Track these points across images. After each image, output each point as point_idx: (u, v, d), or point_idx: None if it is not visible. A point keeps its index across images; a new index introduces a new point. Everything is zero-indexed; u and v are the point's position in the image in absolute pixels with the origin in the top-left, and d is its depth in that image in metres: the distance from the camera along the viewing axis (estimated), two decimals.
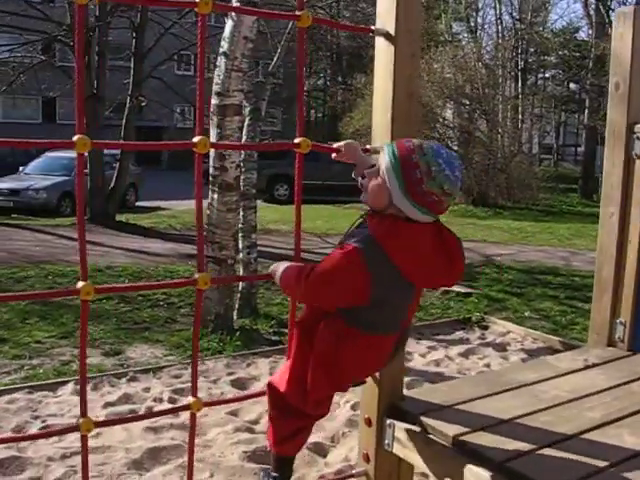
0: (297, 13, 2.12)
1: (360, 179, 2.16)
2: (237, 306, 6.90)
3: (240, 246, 7.10)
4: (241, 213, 7.01)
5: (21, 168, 18.74)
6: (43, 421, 4.16)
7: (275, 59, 7.93)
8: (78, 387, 4.74)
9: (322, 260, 2.07)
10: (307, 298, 2.19)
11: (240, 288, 7.05)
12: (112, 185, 15.11)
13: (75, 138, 2.03)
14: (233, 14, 5.63)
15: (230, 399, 4.07)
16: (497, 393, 2.49)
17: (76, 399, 4.50)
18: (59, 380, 4.86)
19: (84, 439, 2.21)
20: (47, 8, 15.48)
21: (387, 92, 2.18)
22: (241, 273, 7.04)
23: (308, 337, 2.20)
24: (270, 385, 2.35)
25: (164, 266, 9.68)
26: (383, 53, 2.21)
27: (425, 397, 2.46)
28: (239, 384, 4.92)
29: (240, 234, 7.00)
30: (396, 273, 1.99)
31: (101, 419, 4.14)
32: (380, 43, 2.21)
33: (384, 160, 2.03)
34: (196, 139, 2.11)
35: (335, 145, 2.33)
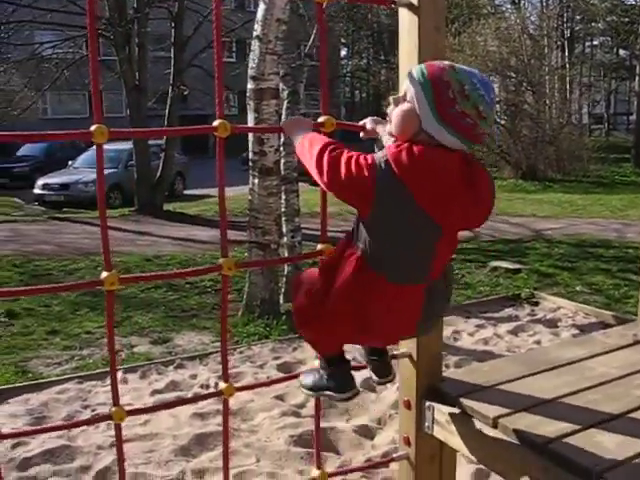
0: None
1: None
2: (283, 290, 6.90)
3: (284, 230, 7.08)
4: (283, 197, 6.99)
5: (70, 162, 19.06)
6: (93, 410, 4.22)
7: (311, 40, 7.85)
8: (126, 376, 4.83)
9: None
10: (327, 173, 1.91)
11: (285, 272, 7.05)
12: (159, 175, 15.26)
13: (93, 128, 1.99)
14: None
15: (260, 383, 4.03)
16: (541, 372, 2.42)
17: (124, 388, 4.56)
18: (107, 370, 4.92)
19: (118, 428, 2.21)
20: (84, 3, 15.63)
21: (412, 64, 2.10)
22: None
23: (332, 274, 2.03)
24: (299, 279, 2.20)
25: (210, 253, 9.74)
26: (406, 26, 2.13)
27: (465, 378, 2.39)
28: (285, 368, 4.91)
29: (283, 218, 6.99)
30: (408, 198, 1.80)
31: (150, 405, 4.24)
32: (403, 16, 2.13)
33: (413, 81, 1.86)
34: (216, 122, 2.07)
35: (360, 123, 2.26)
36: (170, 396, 4.38)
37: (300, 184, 7.47)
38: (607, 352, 2.60)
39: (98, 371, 4.92)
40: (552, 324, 5.80)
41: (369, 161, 1.83)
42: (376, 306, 1.95)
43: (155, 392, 4.47)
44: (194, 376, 4.77)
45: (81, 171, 17.96)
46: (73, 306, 6.90)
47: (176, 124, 14.98)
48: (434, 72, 1.84)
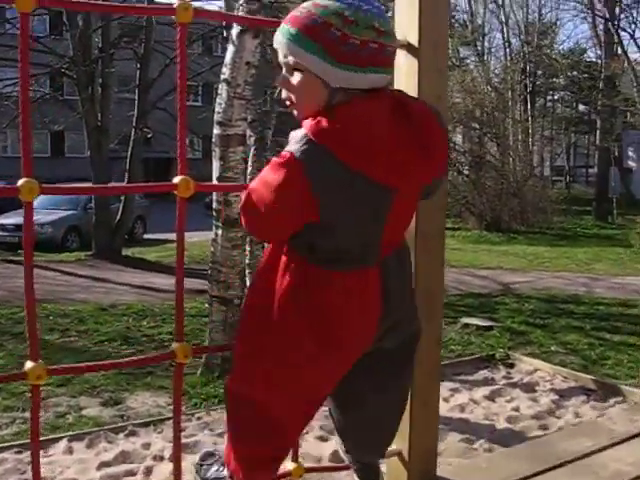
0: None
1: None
2: None
3: (248, 284, 6.74)
4: (248, 248, 6.66)
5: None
6: None
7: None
8: (72, 445, 4.37)
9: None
10: (251, 229, 1.69)
11: None
12: (118, 218, 14.83)
13: (20, 182, 1.66)
14: (235, 39, 5.32)
15: None
16: (548, 470, 2.10)
17: (69, 458, 4.12)
18: (51, 437, 4.47)
19: None
20: (50, 41, 15.31)
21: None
22: None
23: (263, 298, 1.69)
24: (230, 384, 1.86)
25: (169, 303, 9.31)
26: (404, 70, 1.85)
27: (463, 478, 2.06)
28: None
29: (247, 271, 6.64)
30: (346, 172, 1.49)
31: None
32: (401, 58, 1.86)
33: (288, 46, 1.54)
34: (177, 179, 1.75)
35: None
36: (120, 469, 3.95)
37: None
38: (617, 443, 2.30)
39: (41, 439, 4.45)
40: (530, 388, 5.50)
41: (283, 163, 1.51)
42: (332, 302, 1.63)
43: (103, 465, 4.02)
44: (147, 445, 4.33)
45: (38, 212, 17.36)
46: (19, 359, 6.41)
47: (138, 167, 14.63)
48: (302, 22, 1.53)
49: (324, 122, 1.50)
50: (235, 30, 5.30)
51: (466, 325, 7.67)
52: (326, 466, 3.46)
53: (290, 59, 1.55)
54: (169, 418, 4.82)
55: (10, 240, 16.29)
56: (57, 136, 29.40)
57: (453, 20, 27.98)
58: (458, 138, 22.36)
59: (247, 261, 6.58)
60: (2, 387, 5.61)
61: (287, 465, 2.10)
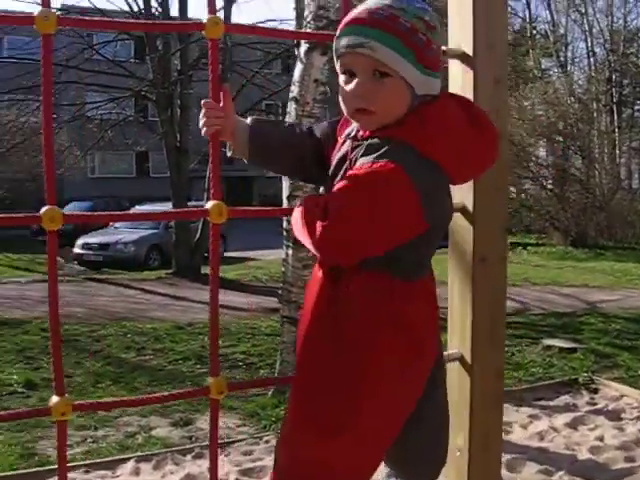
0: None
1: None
2: None
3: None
4: None
5: (111, 222, 19.06)
6: None
7: None
8: (139, 465, 4.35)
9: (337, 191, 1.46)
10: (329, 247, 1.46)
11: None
12: (197, 237, 15.03)
13: (43, 210, 1.61)
14: (303, 56, 5.27)
15: None
16: None
17: None
18: (119, 457, 4.47)
19: None
20: (131, 65, 15.75)
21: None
22: None
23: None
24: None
25: (246, 322, 9.34)
26: (459, 81, 1.72)
27: None
28: None
29: None
30: (445, 179, 1.48)
31: None
32: (455, 68, 1.72)
33: (381, 52, 1.44)
34: (209, 205, 1.66)
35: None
36: None
37: None
38: None
39: (109, 459, 4.47)
40: (615, 416, 5.17)
41: (389, 169, 1.40)
42: (421, 312, 1.57)
43: None
44: None
45: (121, 231, 17.89)
46: (95, 377, 6.52)
47: (220, 186, 14.79)
48: (391, 25, 1.43)
49: (423, 129, 1.44)
50: (303, 47, 5.25)
51: (548, 347, 7.35)
52: None
53: (380, 64, 1.46)
54: (238, 440, 4.77)
55: (94, 259, 16.80)
56: (142, 157, 30.21)
57: (534, 31, 27.40)
58: (541, 152, 21.76)
59: None
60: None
61: None
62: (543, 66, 30.02)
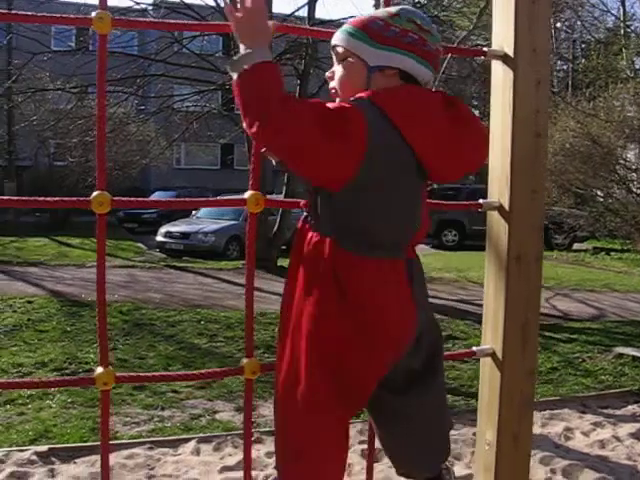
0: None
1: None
2: None
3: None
4: None
5: (194, 212, 19.54)
6: None
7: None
8: (200, 446, 4.53)
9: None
10: (277, 126, 1.52)
11: None
12: (275, 229, 15.25)
13: (94, 195, 1.73)
14: None
15: None
16: None
17: (195, 459, 4.27)
18: (182, 437, 4.65)
19: None
20: (217, 59, 16.06)
21: (505, 131, 1.71)
22: None
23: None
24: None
25: None
26: (500, 82, 1.74)
27: None
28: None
29: None
30: (397, 138, 1.55)
31: None
32: (497, 69, 1.75)
33: (341, 40, 1.74)
34: (247, 194, 1.75)
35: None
36: (240, 475, 4.02)
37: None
38: None
39: (172, 437, 4.65)
40: None
41: (346, 106, 1.59)
42: (367, 290, 1.62)
43: (225, 469, 4.14)
44: (270, 454, 4.39)
45: (203, 221, 18.34)
46: (167, 360, 6.76)
47: (259, 177, 14.98)
48: (357, 21, 1.75)
49: (390, 94, 1.61)
50: None
51: (620, 355, 7.16)
52: None
53: (340, 49, 1.74)
54: None
55: (176, 247, 17.28)
56: (226, 149, 30.78)
57: (629, 29, 26.45)
58: (630, 154, 20.97)
59: None
60: (148, 385, 5.92)
61: None
62: (637, 65, 28.96)
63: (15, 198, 2.60)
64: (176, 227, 18.03)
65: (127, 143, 19.27)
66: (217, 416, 5.26)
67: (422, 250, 7.24)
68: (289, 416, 1.77)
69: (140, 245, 18.62)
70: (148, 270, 13.53)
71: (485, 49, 1.75)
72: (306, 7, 13.75)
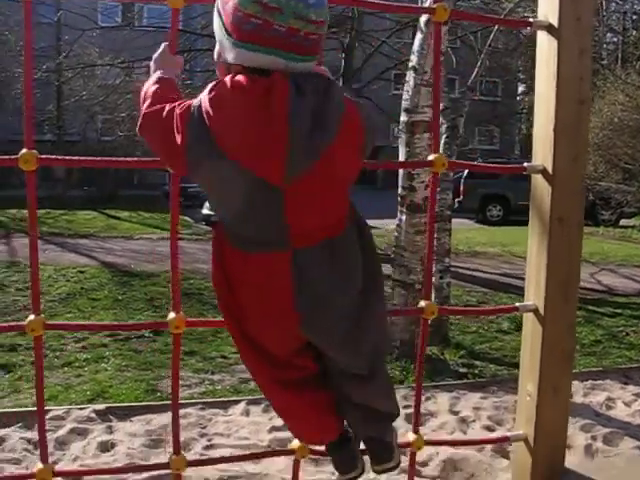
0: (432, 6, 1.81)
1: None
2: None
3: (432, 270, 6.76)
4: (435, 235, 6.69)
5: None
6: (209, 440, 4.12)
7: (475, 73, 7.49)
8: (249, 408, 4.71)
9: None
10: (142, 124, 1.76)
11: None
12: None
13: (21, 153, 1.88)
14: (422, 26, 5.35)
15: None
16: None
17: (245, 420, 4.44)
18: (232, 399, 4.84)
19: None
20: None
21: (549, 98, 1.79)
22: (433, 298, 6.70)
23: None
24: None
25: None
26: (544, 51, 1.82)
27: (594, 475, 2.00)
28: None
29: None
30: (212, 144, 1.56)
31: (265, 443, 4.09)
32: (541, 39, 1.82)
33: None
34: None
35: None
36: (287, 435, 4.18)
37: (460, 221, 7.13)
38: None
39: (223, 399, 4.84)
40: None
41: (183, 109, 1.61)
42: (236, 280, 1.78)
43: (273, 429, 4.30)
44: None
45: None
46: (216, 328, 6.95)
47: None
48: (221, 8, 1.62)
49: (211, 92, 1.56)
50: (424, 17, 5.33)
51: None
52: None
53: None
54: None
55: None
56: None
57: None
58: None
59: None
60: (198, 351, 6.14)
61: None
62: None
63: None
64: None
65: None
66: None
67: (466, 225, 7.27)
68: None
69: (187, 218, 18.91)
70: (195, 242, 13.80)
71: (530, 19, 1.83)
72: None
